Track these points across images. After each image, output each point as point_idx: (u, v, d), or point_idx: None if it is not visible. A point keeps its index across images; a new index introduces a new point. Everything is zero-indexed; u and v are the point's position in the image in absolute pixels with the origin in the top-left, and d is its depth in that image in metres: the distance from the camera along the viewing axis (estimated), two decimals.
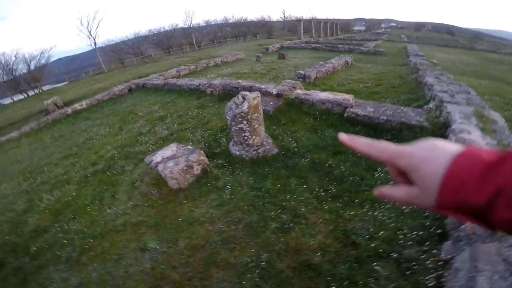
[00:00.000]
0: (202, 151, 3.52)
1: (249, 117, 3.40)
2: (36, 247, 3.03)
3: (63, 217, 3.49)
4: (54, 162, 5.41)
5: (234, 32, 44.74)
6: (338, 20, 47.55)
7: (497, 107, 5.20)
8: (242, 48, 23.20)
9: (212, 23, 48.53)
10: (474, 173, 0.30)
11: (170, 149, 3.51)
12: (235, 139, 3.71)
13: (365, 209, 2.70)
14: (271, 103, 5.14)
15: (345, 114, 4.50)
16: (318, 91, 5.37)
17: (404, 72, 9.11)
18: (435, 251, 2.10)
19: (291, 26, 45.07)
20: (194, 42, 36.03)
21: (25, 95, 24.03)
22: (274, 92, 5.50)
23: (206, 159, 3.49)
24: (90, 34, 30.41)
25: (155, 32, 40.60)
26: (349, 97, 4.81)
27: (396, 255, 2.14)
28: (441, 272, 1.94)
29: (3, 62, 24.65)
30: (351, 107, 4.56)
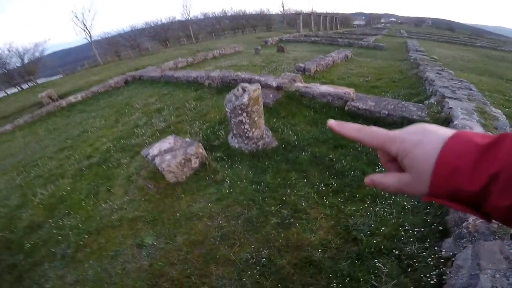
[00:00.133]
0: (200, 144, 3.44)
1: (249, 109, 3.31)
2: (30, 244, 2.97)
3: (57, 212, 3.42)
4: (49, 156, 5.29)
5: (232, 25, 44.18)
6: (337, 14, 47.05)
7: (498, 103, 5.16)
8: (241, 41, 22.88)
9: (210, 15, 47.92)
10: (468, 157, 0.29)
11: (168, 142, 3.41)
12: (234, 132, 3.62)
13: (366, 205, 2.65)
14: (271, 95, 5.05)
15: (346, 108, 4.42)
16: (319, 84, 5.28)
17: (404, 67, 9.03)
18: (437, 248, 2.06)
19: (290, 20, 44.56)
20: (192, 35, 35.52)
21: (19, 89, 23.61)
22: (274, 84, 5.40)
23: (204, 152, 3.41)
24: (86, 27, 29.86)
25: (152, 25, 39.99)
26: (350, 91, 4.73)
27: (397, 251, 2.11)
28: (443, 269, 1.90)
29: None
30: (352, 101, 4.48)
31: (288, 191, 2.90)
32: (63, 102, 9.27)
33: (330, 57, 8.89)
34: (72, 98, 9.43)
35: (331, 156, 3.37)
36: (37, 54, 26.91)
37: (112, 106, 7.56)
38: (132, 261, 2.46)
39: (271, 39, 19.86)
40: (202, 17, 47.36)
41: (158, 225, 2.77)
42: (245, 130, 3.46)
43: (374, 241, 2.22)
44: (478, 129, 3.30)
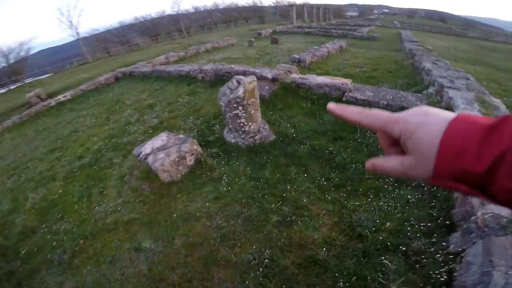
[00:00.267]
0: (195, 140, 3.29)
1: (244, 102, 3.16)
2: (25, 250, 2.86)
3: (50, 216, 3.30)
4: (39, 157, 5.10)
5: (224, 18, 43.44)
6: (330, 5, 46.67)
7: (495, 93, 5.11)
8: (234, 34, 22.50)
9: (202, 9, 46.91)
10: (473, 138, 0.28)
11: (160, 139, 3.26)
12: (230, 126, 3.48)
13: (369, 199, 2.58)
14: (267, 87, 4.91)
15: (344, 99, 4.32)
16: (315, 75, 5.16)
17: (400, 57, 8.96)
18: (444, 243, 2.00)
19: (284, 11, 43.95)
20: (183, 29, 34.79)
21: (7, 89, 22.90)
22: (269, 76, 5.25)
23: (199, 149, 3.27)
24: (72, 24, 28.95)
25: (142, 20, 39.02)
26: (347, 81, 4.62)
27: (404, 248, 2.04)
28: (452, 265, 1.84)
29: None
30: (349, 92, 4.37)
31: (288, 186, 2.80)
32: (52, 101, 8.95)
33: (325, 48, 8.75)
34: (61, 97, 9.11)
35: (331, 148, 3.27)
36: (22, 53, 26.06)
37: (102, 104, 7.32)
38: (130, 266, 2.35)
39: (265, 31, 19.54)
40: (193, 10, 46.36)
41: (155, 228, 2.66)
42: (241, 124, 3.32)
43: (380, 237, 2.15)
44: None
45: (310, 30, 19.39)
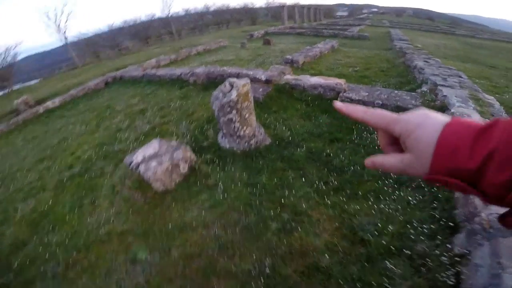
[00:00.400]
0: (188, 147, 3.20)
1: (238, 106, 3.08)
2: (18, 262, 2.75)
3: (41, 228, 3.18)
4: (27, 167, 4.92)
5: (216, 20, 43.23)
6: (321, 5, 46.97)
7: (487, 90, 5.15)
8: (226, 36, 22.38)
9: (192, 11, 46.65)
10: (466, 138, 0.31)
11: (152, 147, 3.14)
12: (224, 131, 3.39)
13: (370, 202, 2.53)
14: (260, 89, 4.83)
15: (339, 99, 4.27)
16: (309, 76, 5.10)
17: (391, 56, 9.00)
18: (449, 245, 1.96)
19: (275, 12, 44.01)
20: (174, 32, 34.51)
21: None
22: (263, 78, 5.18)
23: (193, 155, 3.17)
24: (59, 29, 28.34)
25: (131, 24, 38.53)
26: (341, 81, 4.59)
27: (408, 251, 1.99)
28: (458, 268, 1.79)
29: None
30: (344, 92, 4.33)
31: (286, 192, 2.73)
32: (41, 108, 8.70)
33: (317, 48, 8.74)
34: (50, 104, 8.87)
35: (328, 151, 3.21)
36: (9, 59, 25.40)
37: (92, 110, 7.14)
38: (127, 278, 2.26)
39: (257, 32, 19.49)
40: (184, 13, 46.08)
41: (150, 238, 2.56)
42: (236, 129, 3.24)
43: (383, 241, 2.10)
44: (475, 116, 3.23)
45: (301, 30, 19.44)
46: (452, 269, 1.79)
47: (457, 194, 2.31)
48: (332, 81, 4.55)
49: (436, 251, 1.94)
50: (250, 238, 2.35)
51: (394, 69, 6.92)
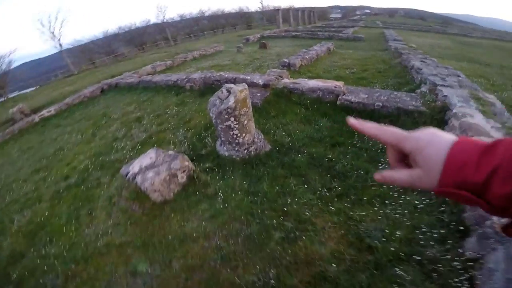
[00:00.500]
0: (185, 156, 3.11)
1: (236, 113, 3.01)
2: (16, 274, 2.69)
3: (38, 240, 3.11)
4: (23, 178, 4.84)
5: (211, 25, 43.41)
6: (314, 8, 47.33)
7: (485, 89, 5.13)
8: (221, 40, 22.44)
9: (187, 17, 46.80)
10: (473, 155, 0.34)
11: (149, 157, 3.05)
12: (223, 139, 3.31)
13: (375, 207, 2.46)
14: (258, 94, 4.78)
15: (338, 102, 4.23)
16: (307, 79, 5.06)
17: (387, 56, 9.02)
18: (460, 250, 1.90)
19: (270, 16, 44.29)
20: (170, 37, 34.53)
21: None
22: (260, 82, 5.13)
23: (191, 164, 3.09)
24: (54, 36, 28.22)
25: (126, 30, 38.54)
26: (340, 84, 4.54)
27: (418, 256, 1.93)
28: (472, 273, 1.73)
29: None
30: (343, 94, 4.29)
31: (289, 199, 2.65)
32: (36, 117, 8.60)
33: (313, 51, 8.74)
34: (45, 112, 8.76)
35: (329, 156, 3.14)
36: (4, 67, 25.20)
37: (88, 118, 7.04)
38: None
39: (252, 36, 19.55)
40: (179, 18, 46.17)
41: (150, 250, 2.48)
42: (235, 136, 3.16)
43: (391, 248, 2.03)
44: (478, 116, 3.18)
45: (297, 33, 19.52)
46: (465, 274, 1.74)
47: None
48: (331, 83, 4.50)
49: (447, 255, 1.88)
50: (253, 248, 2.27)
51: (391, 70, 6.91)
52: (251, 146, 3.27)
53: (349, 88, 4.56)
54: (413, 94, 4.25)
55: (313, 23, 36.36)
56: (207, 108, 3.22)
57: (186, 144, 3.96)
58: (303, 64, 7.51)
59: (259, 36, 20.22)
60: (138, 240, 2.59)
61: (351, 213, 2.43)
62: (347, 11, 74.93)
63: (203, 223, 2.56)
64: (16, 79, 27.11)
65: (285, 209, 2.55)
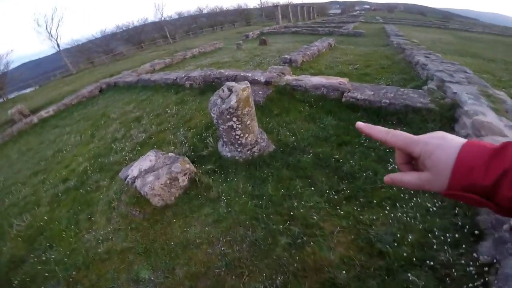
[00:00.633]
0: (186, 158, 2.99)
1: (239, 112, 2.88)
2: (18, 280, 2.64)
3: (38, 245, 3.06)
4: (22, 181, 4.77)
5: (210, 22, 43.08)
6: (314, 4, 46.92)
7: (493, 85, 5.01)
8: (221, 37, 22.21)
9: (186, 14, 46.47)
10: (481, 159, 0.35)
11: (148, 159, 2.93)
12: (225, 139, 3.20)
13: (386, 211, 2.35)
14: (260, 92, 4.64)
15: (343, 99, 4.10)
16: (310, 76, 4.93)
17: (389, 52, 8.86)
18: (475, 254, 1.81)
19: (269, 12, 43.94)
20: (168, 35, 34.26)
21: None
22: (262, 79, 4.99)
23: (192, 167, 2.97)
24: (51, 35, 27.99)
25: (124, 28, 38.25)
26: (344, 80, 4.42)
27: (430, 261, 1.85)
28: (487, 277, 1.66)
29: None
30: (348, 91, 4.15)
31: (295, 203, 2.54)
32: (35, 118, 8.50)
33: (315, 47, 8.58)
34: (43, 113, 8.65)
35: (336, 156, 3.03)
36: (2, 68, 25.02)
37: (87, 119, 6.93)
38: None
39: (252, 33, 19.34)
40: (177, 16, 45.84)
41: (152, 257, 2.40)
42: (237, 137, 3.04)
43: (403, 252, 1.95)
44: (490, 114, 3.07)
45: (296, 29, 19.30)
46: (480, 279, 1.67)
47: None
48: (335, 80, 4.37)
49: (461, 260, 1.81)
50: (259, 254, 2.19)
51: (395, 66, 6.77)
52: (255, 147, 3.16)
53: (354, 84, 4.43)
54: (420, 90, 4.12)
55: (312, 19, 36.04)
56: (208, 107, 3.10)
57: (186, 145, 3.84)
58: (304, 60, 7.36)
59: (258, 32, 20.01)
60: (139, 246, 2.51)
61: (361, 216, 2.34)
62: (346, 7, 74.36)
63: (206, 228, 2.46)
64: (15, 80, 26.96)
65: (292, 213, 2.45)
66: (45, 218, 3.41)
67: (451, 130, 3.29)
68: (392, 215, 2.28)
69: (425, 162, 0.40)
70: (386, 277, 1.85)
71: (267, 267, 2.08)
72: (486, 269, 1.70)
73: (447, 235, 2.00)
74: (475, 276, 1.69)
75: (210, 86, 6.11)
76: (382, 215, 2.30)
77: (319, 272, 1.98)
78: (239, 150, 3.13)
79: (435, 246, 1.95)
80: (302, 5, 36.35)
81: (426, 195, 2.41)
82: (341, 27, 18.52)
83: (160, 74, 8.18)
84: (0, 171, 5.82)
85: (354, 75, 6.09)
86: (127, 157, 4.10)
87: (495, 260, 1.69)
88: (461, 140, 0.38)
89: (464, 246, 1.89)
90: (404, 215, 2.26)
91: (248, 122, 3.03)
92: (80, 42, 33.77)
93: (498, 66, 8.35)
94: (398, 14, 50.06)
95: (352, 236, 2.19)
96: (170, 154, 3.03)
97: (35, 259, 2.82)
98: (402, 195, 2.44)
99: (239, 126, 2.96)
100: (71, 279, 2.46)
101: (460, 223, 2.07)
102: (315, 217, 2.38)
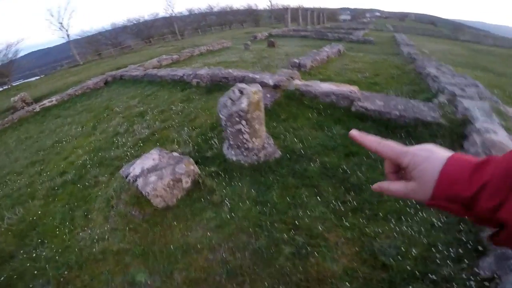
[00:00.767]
0: (191, 159, 2.91)
1: (249, 116, 2.81)
2: (4, 277, 2.54)
3: (29, 240, 2.96)
4: (18, 171, 4.67)
5: (219, 21, 43.12)
6: (324, 9, 46.89)
7: (503, 101, 4.92)
8: (229, 37, 22.19)
9: (196, 11, 46.50)
10: (464, 172, 0.37)
11: (151, 158, 2.86)
12: (231, 142, 3.12)
13: (391, 224, 2.32)
14: (268, 95, 4.57)
15: (353, 109, 4.02)
16: (319, 82, 4.85)
17: (399, 61, 8.77)
18: (476, 269, 1.82)
19: (278, 15, 43.94)
20: (177, 31, 34.28)
21: None
22: (271, 83, 4.92)
23: (196, 168, 2.89)
24: (62, 26, 28.10)
25: (135, 22, 38.30)
26: (355, 89, 4.34)
27: (432, 275, 1.84)
28: None
29: None
30: (358, 101, 4.08)
31: (300, 212, 2.48)
32: (37, 107, 8.45)
33: (324, 52, 8.51)
34: (46, 102, 8.61)
35: (344, 166, 2.95)
36: (10, 56, 25.11)
37: (90, 110, 6.87)
38: None
39: (260, 34, 19.32)
40: (188, 13, 45.90)
41: (150, 260, 2.32)
42: (244, 141, 2.96)
43: (406, 266, 1.94)
44: (502, 133, 3.00)
45: (305, 33, 19.26)
46: None
47: None
48: (346, 88, 4.29)
49: (463, 275, 1.80)
50: (261, 263, 2.13)
51: (405, 76, 6.68)
52: (261, 152, 3.08)
53: (364, 94, 4.35)
54: (431, 104, 4.04)
55: (322, 24, 36.00)
56: (216, 107, 3.03)
57: (190, 145, 3.77)
58: (313, 65, 7.29)
59: (267, 34, 19.99)
60: (137, 248, 2.43)
61: (366, 229, 2.30)
62: (357, 14, 74.26)
63: (208, 233, 2.39)
64: (22, 68, 27.05)
65: (296, 222, 2.38)
66: (39, 212, 3.32)
67: (460, 148, 3.22)
68: (397, 228, 2.25)
69: (412, 172, 0.42)
70: None
71: (269, 276, 2.03)
72: (486, 283, 1.70)
73: (451, 250, 1.99)
74: None
75: (217, 85, 6.05)
76: (387, 228, 2.27)
77: (322, 283, 1.95)
78: (245, 154, 3.06)
79: (438, 261, 1.93)
80: (312, 10, 36.31)
81: (432, 210, 2.35)
82: (350, 33, 18.44)
83: (167, 70, 8.13)
84: None
85: (363, 83, 6.01)
86: (128, 153, 4.03)
87: (495, 275, 1.70)
88: (447, 154, 0.41)
89: (466, 261, 1.89)
90: (409, 229, 2.23)
91: (257, 126, 2.96)
92: (90, 33, 33.82)
93: (508, 81, 8.26)
94: (409, 23, 49.87)
95: (357, 248, 2.15)
96: (175, 153, 2.96)
97: (25, 255, 2.73)
98: (408, 209, 2.40)
99: (248, 130, 2.88)
100: (62, 279, 2.37)
101: (464, 239, 2.06)
102: (320, 228, 2.31)
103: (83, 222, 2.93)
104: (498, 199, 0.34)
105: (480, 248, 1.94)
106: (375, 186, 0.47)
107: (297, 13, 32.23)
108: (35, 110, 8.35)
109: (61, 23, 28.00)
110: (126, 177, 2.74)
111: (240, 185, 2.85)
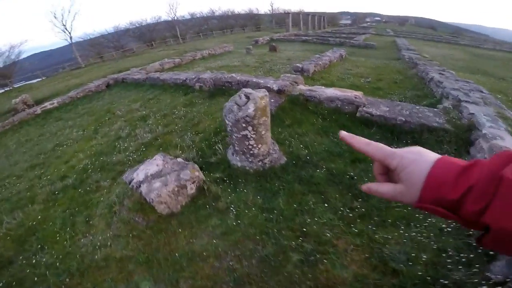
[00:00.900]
0: (195, 165, 2.86)
1: (255, 122, 2.77)
2: (2, 283, 2.50)
3: (28, 246, 2.89)
4: (18, 174, 4.61)
5: (221, 25, 43.40)
6: (325, 13, 47.19)
7: (506, 106, 4.90)
8: (230, 41, 22.29)
9: (198, 15, 46.86)
10: (451, 175, 0.38)
11: (155, 164, 2.81)
12: (236, 148, 3.08)
13: (400, 230, 2.28)
14: (272, 100, 4.54)
15: (358, 114, 3.99)
16: (323, 87, 4.84)
17: (401, 66, 8.80)
18: (488, 273, 1.81)
19: (279, 19, 44.21)
20: (179, 35, 34.48)
21: None
22: (275, 87, 4.90)
23: (201, 175, 2.85)
24: (65, 28, 28.30)
25: (137, 25, 38.54)
26: (360, 94, 4.32)
27: (444, 280, 1.82)
28: None
29: None
30: (363, 106, 4.05)
31: (308, 219, 2.43)
32: (38, 109, 8.44)
33: (326, 57, 8.52)
34: (47, 104, 8.60)
35: (350, 173, 2.92)
36: (13, 57, 25.23)
37: (91, 113, 6.85)
38: None
39: (262, 39, 19.39)
40: (189, 17, 46.23)
41: (154, 268, 2.27)
42: (250, 147, 2.92)
43: (416, 271, 1.91)
44: (508, 139, 2.97)
45: (307, 38, 19.35)
46: None
47: None
48: (350, 93, 4.27)
49: (474, 279, 1.79)
50: (269, 271, 2.08)
51: (408, 81, 6.69)
52: (266, 158, 3.05)
53: (369, 99, 4.33)
54: (436, 109, 4.02)
55: (323, 29, 36.20)
56: (223, 113, 2.99)
57: (194, 150, 3.72)
58: (316, 70, 7.29)
59: (268, 38, 20.07)
60: (141, 255, 2.38)
61: (375, 235, 2.26)
62: (357, 18, 74.62)
63: (214, 240, 2.34)
64: (24, 69, 27.17)
65: (304, 229, 2.34)
66: (39, 217, 3.26)
67: (467, 154, 3.19)
68: (406, 234, 2.22)
69: (400, 174, 0.42)
70: None
71: (278, 285, 1.98)
72: None
73: (461, 254, 1.97)
74: None
75: (220, 90, 6.04)
76: (396, 234, 2.23)
77: None
78: (250, 160, 3.02)
79: (448, 266, 1.92)
80: (313, 14, 36.53)
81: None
82: (352, 38, 18.53)
83: (170, 73, 8.13)
84: None
85: (366, 88, 6.00)
86: (131, 158, 3.99)
87: (508, 279, 1.69)
88: (436, 156, 0.41)
89: (477, 265, 1.87)
90: (418, 234, 2.21)
91: (263, 132, 2.92)
92: (93, 36, 34.02)
93: (509, 85, 8.24)
94: (409, 28, 50.08)
95: (366, 255, 2.11)
96: (179, 159, 2.92)
97: (24, 261, 2.67)
98: (416, 215, 2.38)
99: (254, 136, 2.85)
100: (63, 286, 2.31)
101: (474, 244, 2.04)
102: (328, 234, 2.27)
103: (84, 228, 2.88)
104: (484, 202, 0.34)
105: (491, 252, 1.93)
106: (364, 187, 0.47)
107: (298, 18, 32.42)
108: (36, 113, 8.34)
109: (64, 25, 28.20)
110: (130, 183, 2.69)
111: (246, 191, 2.81)
